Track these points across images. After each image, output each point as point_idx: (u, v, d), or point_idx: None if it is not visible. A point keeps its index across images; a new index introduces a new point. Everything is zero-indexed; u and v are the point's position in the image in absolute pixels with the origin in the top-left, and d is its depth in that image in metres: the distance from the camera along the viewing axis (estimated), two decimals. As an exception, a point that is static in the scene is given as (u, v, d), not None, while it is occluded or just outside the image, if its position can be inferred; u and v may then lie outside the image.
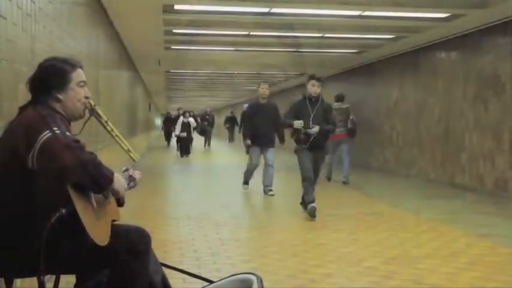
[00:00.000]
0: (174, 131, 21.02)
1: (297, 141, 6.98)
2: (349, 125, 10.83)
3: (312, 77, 6.97)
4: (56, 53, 4.27)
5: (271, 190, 9.05)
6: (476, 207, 8.18)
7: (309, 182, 6.87)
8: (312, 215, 6.71)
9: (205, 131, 25.03)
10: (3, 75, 3.31)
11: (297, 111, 6.90)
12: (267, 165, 9.13)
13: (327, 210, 7.46)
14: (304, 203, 7.04)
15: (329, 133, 7.11)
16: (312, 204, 6.75)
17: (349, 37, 11.65)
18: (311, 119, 6.81)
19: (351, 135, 10.97)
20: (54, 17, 4.84)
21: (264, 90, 9.31)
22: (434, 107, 11.74)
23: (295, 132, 6.91)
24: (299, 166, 6.98)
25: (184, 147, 19.02)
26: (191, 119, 19.45)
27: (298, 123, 6.77)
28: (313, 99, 6.91)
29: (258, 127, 9.08)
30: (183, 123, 18.94)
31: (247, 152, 9.41)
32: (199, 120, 24.52)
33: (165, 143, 28.14)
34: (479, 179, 10.03)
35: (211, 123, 25.74)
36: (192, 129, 19.49)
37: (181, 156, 18.74)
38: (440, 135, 11.46)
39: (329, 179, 11.12)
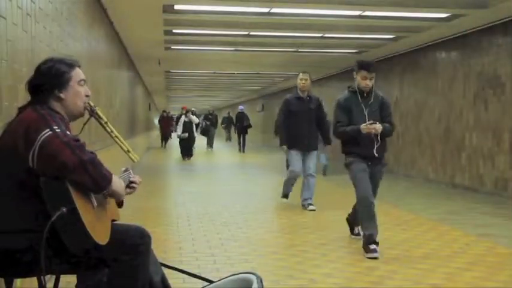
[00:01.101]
0: (176, 131, 19.75)
1: (351, 153, 5.23)
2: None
3: (361, 66, 5.17)
4: (56, 53, 4.28)
5: (311, 204, 7.62)
6: (476, 207, 8.18)
7: (369, 206, 5.08)
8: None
9: (208, 132, 23.83)
10: (3, 75, 3.31)
11: (349, 111, 5.20)
12: (306, 175, 7.65)
13: (327, 211, 7.47)
14: (364, 236, 5.21)
15: (389, 136, 5.32)
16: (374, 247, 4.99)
17: (349, 37, 11.65)
18: (366, 119, 5.12)
19: None
20: (54, 17, 4.84)
21: (303, 81, 7.66)
22: (434, 107, 11.74)
23: (351, 140, 5.19)
24: (354, 184, 5.22)
25: (186, 148, 17.92)
26: (193, 117, 18.27)
27: (371, 128, 5.01)
28: (365, 94, 5.22)
29: (298, 127, 7.50)
30: (185, 123, 17.86)
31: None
32: (201, 120, 23.55)
33: (163, 143, 26.44)
34: (479, 179, 10.03)
35: (215, 124, 24.74)
36: (194, 128, 18.25)
37: (184, 158, 17.85)
38: (440, 135, 11.46)
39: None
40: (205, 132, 23.66)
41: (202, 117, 24.81)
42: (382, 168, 5.34)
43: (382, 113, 5.24)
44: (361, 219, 5.24)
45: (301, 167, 7.60)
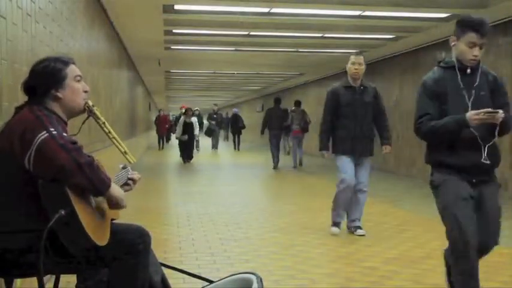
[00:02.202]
0: (175, 132, 18.49)
1: (443, 165, 3.41)
2: (302, 124, 14.57)
3: (469, 26, 3.25)
4: (55, 53, 4.27)
5: (360, 228, 5.99)
6: (476, 207, 8.16)
7: (467, 254, 3.15)
8: None
9: (213, 132, 22.80)
10: (3, 75, 3.31)
11: (440, 98, 3.28)
12: (356, 189, 5.98)
13: (327, 211, 7.46)
14: None
15: (508, 132, 3.50)
16: None
17: (349, 37, 11.66)
18: (470, 105, 3.23)
19: (304, 131, 14.77)
20: (54, 17, 4.84)
21: (355, 66, 6.00)
22: (434, 107, 11.72)
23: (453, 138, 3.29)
24: (444, 217, 3.28)
25: (187, 151, 16.69)
26: (194, 119, 17.08)
27: (488, 118, 3.13)
28: (468, 70, 3.29)
29: (348, 125, 5.87)
30: (185, 124, 16.71)
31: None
32: (204, 120, 22.65)
33: (160, 145, 24.38)
34: (479, 179, 10.00)
35: (219, 123, 24.14)
36: (196, 130, 16.87)
37: (184, 162, 16.50)
38: (440, 135, 11.43)
39: (295, 167, 14.55)
40: (210, 132, 22.54)
41: (206, 117, 24.57)
42: (495, 189, 3.54)
43: (495, 100, 3.31)
44: (454, 275, 3.27)
45: (354, 177, 5.92)
